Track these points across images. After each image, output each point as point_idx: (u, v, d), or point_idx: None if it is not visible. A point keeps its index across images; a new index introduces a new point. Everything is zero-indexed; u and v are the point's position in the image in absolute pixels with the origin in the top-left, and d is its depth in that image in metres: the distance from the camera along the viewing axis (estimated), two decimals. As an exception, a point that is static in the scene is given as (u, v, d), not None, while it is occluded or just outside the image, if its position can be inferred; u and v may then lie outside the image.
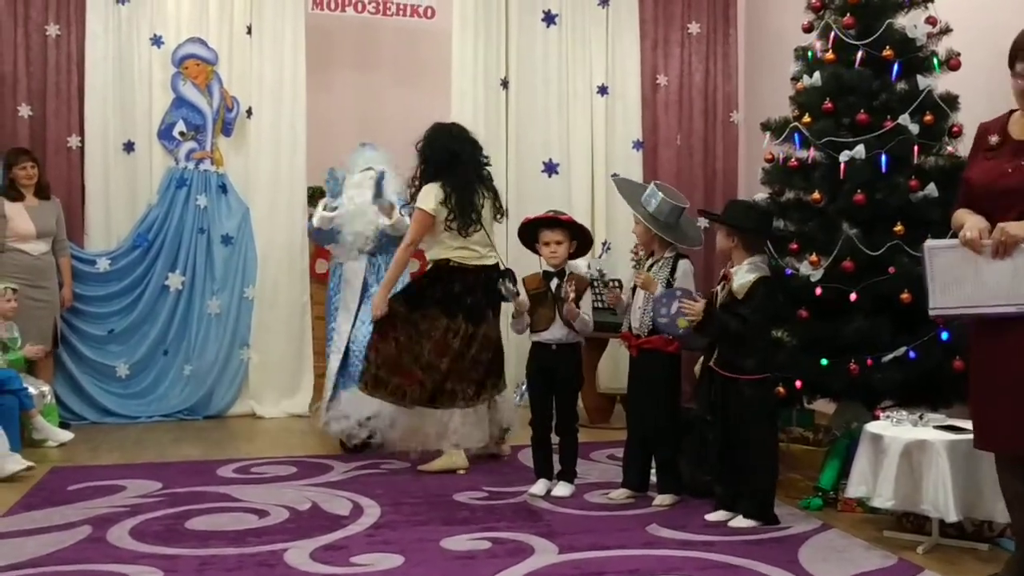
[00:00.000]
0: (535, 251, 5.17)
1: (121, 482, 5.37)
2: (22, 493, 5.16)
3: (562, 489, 5.04)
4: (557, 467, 5.16)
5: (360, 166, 6.44)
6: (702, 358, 5.44)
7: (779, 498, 4.69)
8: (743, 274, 4.53)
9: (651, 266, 4.94)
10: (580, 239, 5.13)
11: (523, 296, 5.06)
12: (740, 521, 4.50)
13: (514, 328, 5.21)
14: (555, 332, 5.02)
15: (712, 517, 4.59)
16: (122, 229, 7.42)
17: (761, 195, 5.59)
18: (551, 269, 5.07)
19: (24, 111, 7.27)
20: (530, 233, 5.16)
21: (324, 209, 6.44)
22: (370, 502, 4.94)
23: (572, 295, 4.92)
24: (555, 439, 5.17)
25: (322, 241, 6.68)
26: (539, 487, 5.04)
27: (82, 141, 7.37)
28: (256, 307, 7.58)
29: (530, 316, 5.07)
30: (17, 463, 5.48)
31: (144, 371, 7.40)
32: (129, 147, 7.44)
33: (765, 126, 5.70)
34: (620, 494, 4.98)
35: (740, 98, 8.48)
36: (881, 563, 4.02)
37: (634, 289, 4.97)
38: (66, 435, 6.41)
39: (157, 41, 7.48)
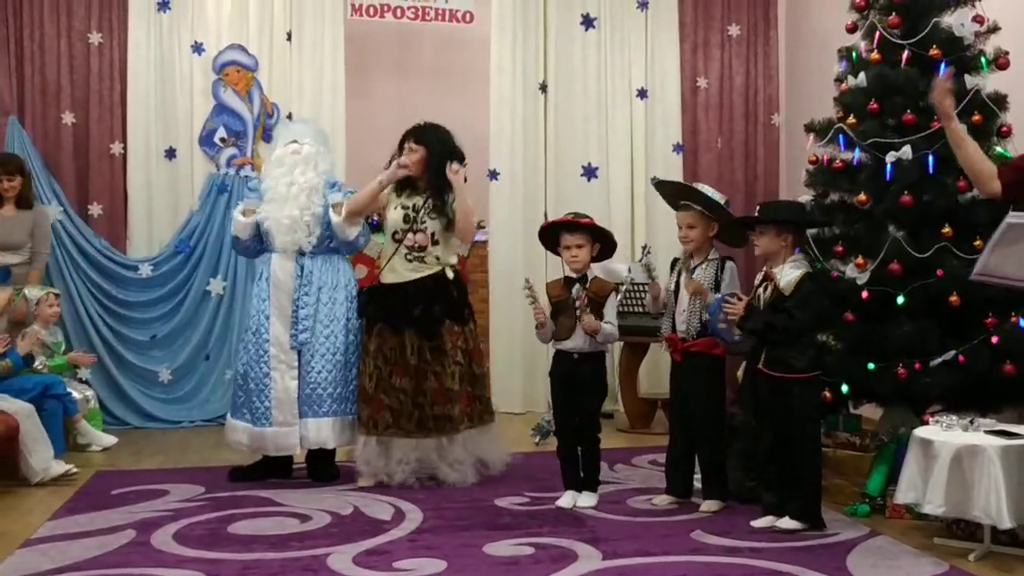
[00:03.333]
0: (557, 254, 5.05)
1: (164, 486, 5.40)
2: (67, 497, 5.19)
3: (586, 499, 4.93)
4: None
5: (284, 140, 5.62)
6: (745, 363, 5.39)
7: (826, 504, 4.62)
8: (788, 271, 4.48)
9: (695, 268, 4.85)
10: (603, 242, 4.99)
11: None
12: (787, 522, 4.44)
13: (539, 338, 5.07)
14: (577, 341, 4.88)
15: (759, 523, 4.53)
16: (164, 235, 7.47)
17: (805, 197, 5.52)
18: (573, 275, 4.95)
19: (68, 119, 7.35)
20: (551, 237, 5.06)
21: (243, 213, 5.55)
22: (411, 507, 4.92)
23: (586, 304, 4.77)
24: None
25: (248, 254, 5.82)
26: (567, 499, 4.94)
27: (124, 148, 7.44)
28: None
29: (552, 324, 4.95)
30: (60, 467, 5.51)
31: (186, 376, 7.44)
32: (171, 154, 7.49)
33: (809, 127, 5.63)
34: (664, 500, 4.93)
35: (781, 100, 8.41)
36: (932, 570, 3.95)
37: (676, 291, 4.88)
38: (110, 439, 6.46)
39: (198, 48, 7.54)
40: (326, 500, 5.08)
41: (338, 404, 5.41)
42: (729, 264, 4.83)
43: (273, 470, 5.53)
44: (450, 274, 5.40)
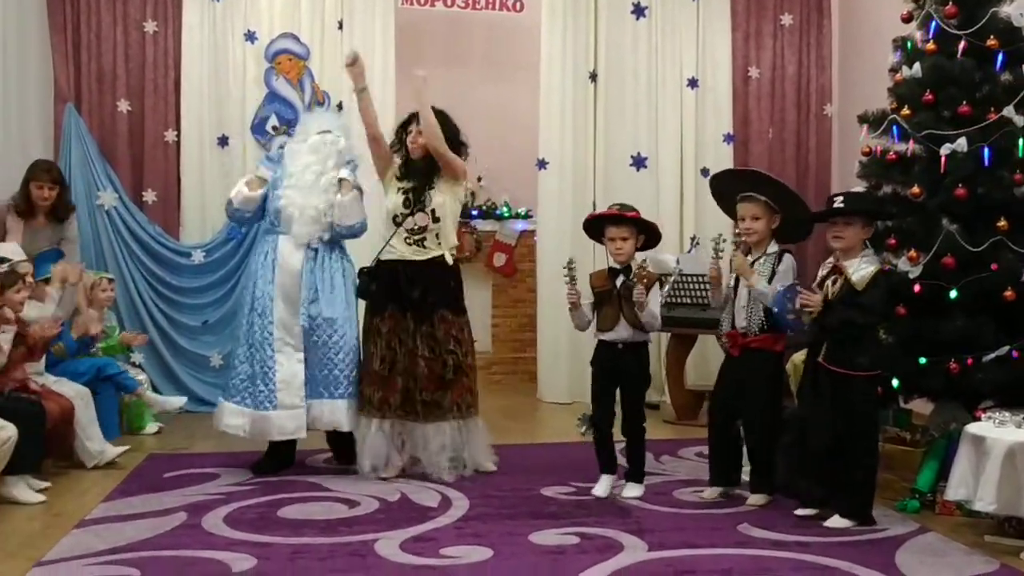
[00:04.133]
0: (603, 244, 5.05)
1: (215, 470, 5.48)
2: (120, 479, 5.29)
3: (632, 490, 4.93)
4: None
5: (315, 129, 5.57)
6: (797, 355, 5.36)
7: (875, 499, 4.57)
8: (862, 266, 4.42)
9: (753, 263, 4.76)
10: (647, 233, 4.95)
11: None
12: (837, 520, 4.41)
13: (574, 323, 5.06)
14: (620, 332, 4.87)
15: (802, 512, 4.51)
16: (216, 222, 7.55)
17: (858, 189, 5.46)
18: (616, 266, 4.93)
19: (123, 106, 7.46)
20: (596, 228, 5.05)
21: (247, 186, 5.49)
22: (458, 495, 4.95)
23: (645, 280, 4.75)
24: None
25: (242, 222, 5.80)
26: (603, 485, 4.94)
27: (178, 135, 7.53)
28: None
29: (595, 314, 4.95)
30: (115, 450, 5.62)
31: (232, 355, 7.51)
32: (223, 141, 7.57)
33: (862, 119, 5.58)
34: (712, 493, 4.90)
35: (834, 90, 8.32)
36: (983, 568, 3.90)
37: (735, 285, 4.82)
38: (179, 400, 6.54)
39: (251, 37, 7.60)
40: (374, 486, 5.12)
41: (354, 387, 5.39)
42: (787, 257, 4.74)
43: (281, 458, 5.51)
44: (449, 260, 5.34)
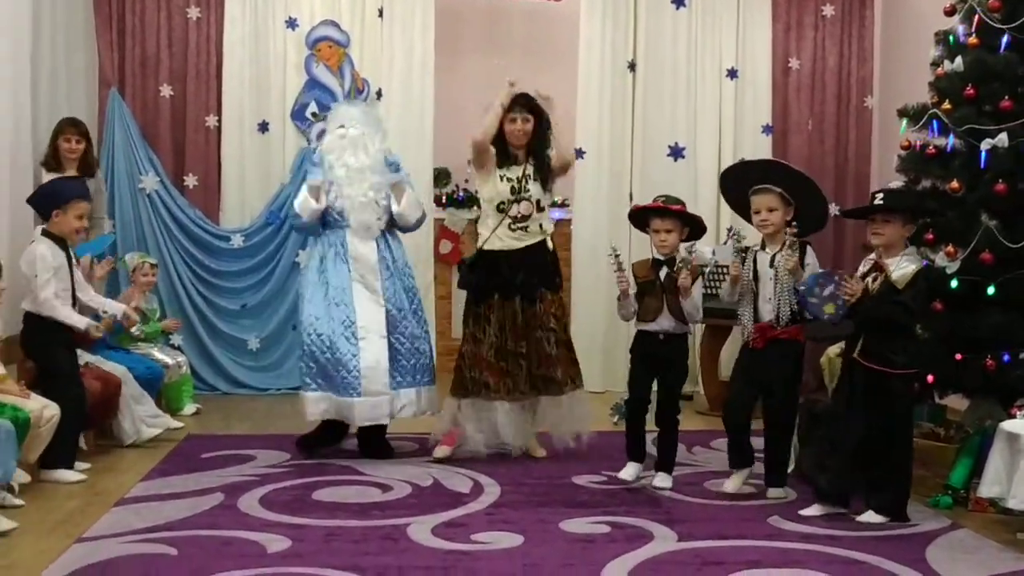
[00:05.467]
0: (647, 234, 5.05)
1: (251, 451, 5.57)
2: (159, 459, 5.39)
3: (662, 480, 4.93)
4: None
5: (334, 124, 5.72)
6: (831, 348, 5.34)
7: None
8: (904, 264, 4.39)
9: (773, 256, 4.73)
10: (692, 226, 4.97)
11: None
12: (871, 516, 4.40)
13: (619, 311, 5.08)
14: (662, 323, 4.89)
15: (808, 512, 4.49)
16: (255, 207, 7.64)
17: (896, 183, 5.43)
18: (660, 257, 4.95)
19: (166, 91, 7.55)
20: (640, 218, 5.08)
21: (310, 195, 5.53)
22: (490, 481, 5.00)
23: (690, 269, 4.77)
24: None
25: (304, 231, 5.91)
26: (629, 471, 4.94)
27: (219, 121, 7.62)
28: (383, 287, 7.70)
29: (638, 304, 4.96)
30: (151, 431, 5.74)
31: (274, 345, 7.61)
32: (264, 127, 7.64)
33: (902, 112, 5.54)
34: (738, 479, 4.86)
35: (875, 83, 8.24)
36: (1015, 566, 3.89)
37: (756, 279, 4.79)
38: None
39: (292, 23, 7.66)
40: (407, 471, 5.18)
41: (423, 375, 5.55)
42: (810, 249, 4.73)
43: (332, 437, 5.64)
44: (550, 245, 5.54)
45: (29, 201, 5.21)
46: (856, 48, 8.23)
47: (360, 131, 5.58)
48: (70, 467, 4.98)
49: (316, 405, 5.42)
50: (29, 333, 5.12)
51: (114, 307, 5.53)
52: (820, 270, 4.70)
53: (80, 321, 5.11)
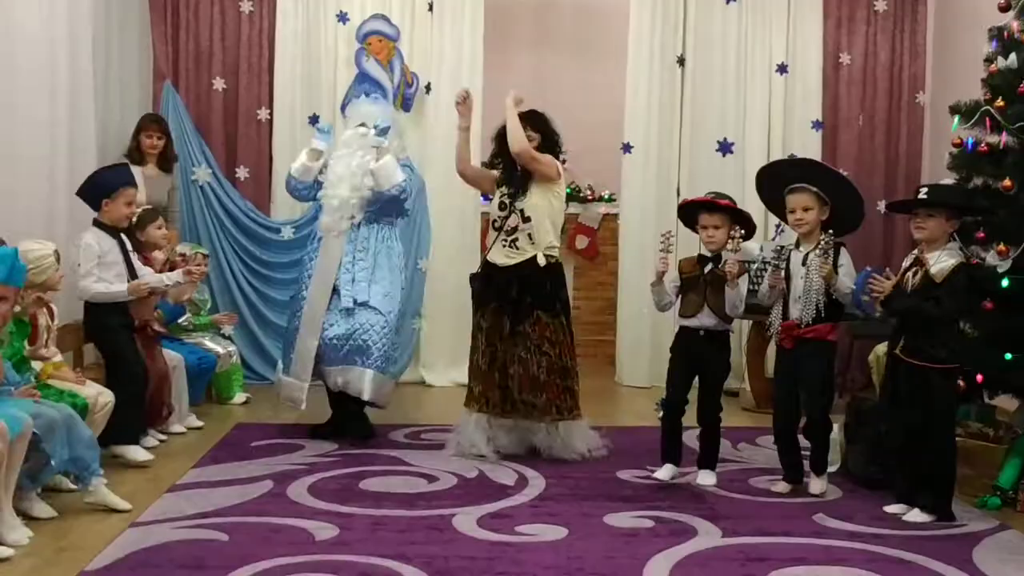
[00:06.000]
0: (696, 231, 5.06)
1: (299, 441, 5.65)
2: (209, 446, 5.49)
3: (706, 478, 4.89)
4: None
5: (354, 121, 5.97)
6: (879, 347, 5.31)
7: (955, 494, 4.54)
8: (943, 259, 4.37)
9: (806, 255, 4.70)
10: (741, 223, 4.92)
11: None
12: (917, 515, 4.39)
13: (654, 299, 5.05)
14: (703, 319, 4.87)
15: (891, 509, 4.49)
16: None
17: (948, 180, 5.38)
18: (707, 253, 4.94)
19: (219, 84, 7.65)
20: (689, 214, 5.07)
21: (307, 157, 5.91)
22: (535, 474, 5.03)
23: (736, 266, 4.73)
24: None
25: (298, 196, 6.17)
26: (665, 471, 4.90)
27: (271, 114, 7.71)
28: (429, 279, 7.77)
29: (680, 299, 4.96)
30: (195, 420, 5.94)
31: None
32: (314, 120, 7.70)
33: (954, 109, 5.48)
34: (785, 487, 4.85)
35: (927, 79, 8.15)
36: (1063, 568, 3.86)
37: (788, 278, 4.77)
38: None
39: (343, 18, 7.73)
40: (453, 462, 5.23)
41: (383, 362, 5.66)
42: (844, 250, 4.69)
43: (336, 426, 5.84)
44: (541, 261, 5.35)
45: (78, 193, 5.33)
46: (908, 43, 8.14)
47: (378, 140, 5.80)
48: (136, 443, 5.12)
49: (276, 379, 5.95)
50: (89, 319, 5.25)
51: (172, 277, 5.61)
52: (854, 271, 4.68)
53: (120, 289, 5.15)
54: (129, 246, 5.33)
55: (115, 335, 5.21)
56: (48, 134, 5.74)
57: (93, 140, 6.27)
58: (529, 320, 5.30)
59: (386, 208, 5.85)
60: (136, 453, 5.06)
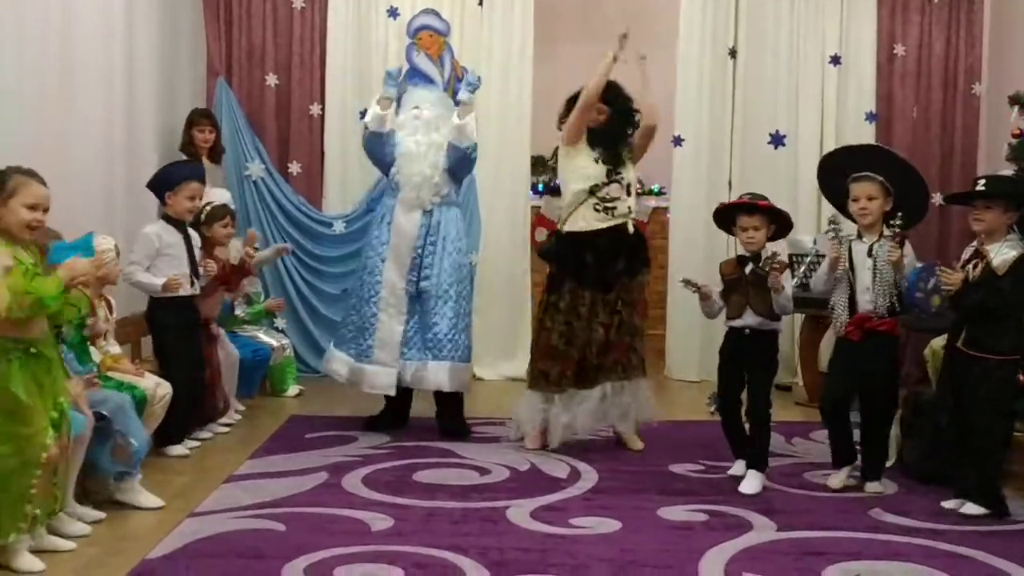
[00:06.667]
0: (732, 234, 5.04)
1: (353, 433, 5.70)
2: (264, 438, 5.55)
3: (752, 480, 4.75)
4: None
5: (408, 105, 5.96)
6: (935, 340, 5.25)
7: (1016, 491, 4.49)
8: (1005, 250, 4.31)
9: (870, 246, 4.64)
10: (779, 223, 4.88)
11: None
12: (970, 508, 4.33)
13: (703, 311, 5.06)
14: (747, 319, 4.83)
15: (949, 504, 4.44)
16: (357, 193, 7.76)
17: (1006, 172, 5.30)
18: (746, 254, 4.89)
19: (271, 80, 7.73)
20: (726, 218, 5.01)
21: (380, 106, 5.85)
22: (587, 467, 5.04)
23: (777, 266, 4.69)
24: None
25: (375, 152, 5.95)
26: (740, 467, 4.91)
27: (322, 109, 7.77)
28: (479, 273, 7.79)
29: (724, 301, 4.93)
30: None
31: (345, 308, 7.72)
32: (364, 115, 7.73)
33: (1013, 100, 5.41)
34: (840, 477, 4.80)
35: (984, 69, 8.01)
36: None
37: (852, 269, 4.70)
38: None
39: (393, 13, 7.77)
40: (505, 455, 5.25)
41: (456, 351, 5.64)
42: (907, 241, 4.63)
43: (393, 418, 5.81)
44: (631, 228, 5.45)
45: (148, 185, 5.42)
46: (964, 34, 8.01)
47: (435, 113, 5.81)
48: (179, 441, 5.17)
49: (335, 364, 5.75)
50: (149, 314, 5.32)
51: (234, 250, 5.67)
52: (918, 264, 4.62)
53: (157, 283, 5.14)
54: (197, 242, 5.38)
55: (168, 334, 5.22)
56: (105, 131, 5.83)
57: (152, 137, 6.37)
58: (614, 287, 5.37)
59: (457, 167, 5.86)
60: (174, 450, 5.13)
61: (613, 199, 5.41)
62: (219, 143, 7.09)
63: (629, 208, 5.46)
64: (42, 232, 3.77)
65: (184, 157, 6.55)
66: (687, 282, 4.91)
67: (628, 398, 5.43)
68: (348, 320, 5.85)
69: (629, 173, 5.48)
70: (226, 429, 5.73)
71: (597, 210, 5.41)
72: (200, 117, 6.97)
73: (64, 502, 3.85)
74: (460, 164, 5.87)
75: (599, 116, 5.46)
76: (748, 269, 4.83)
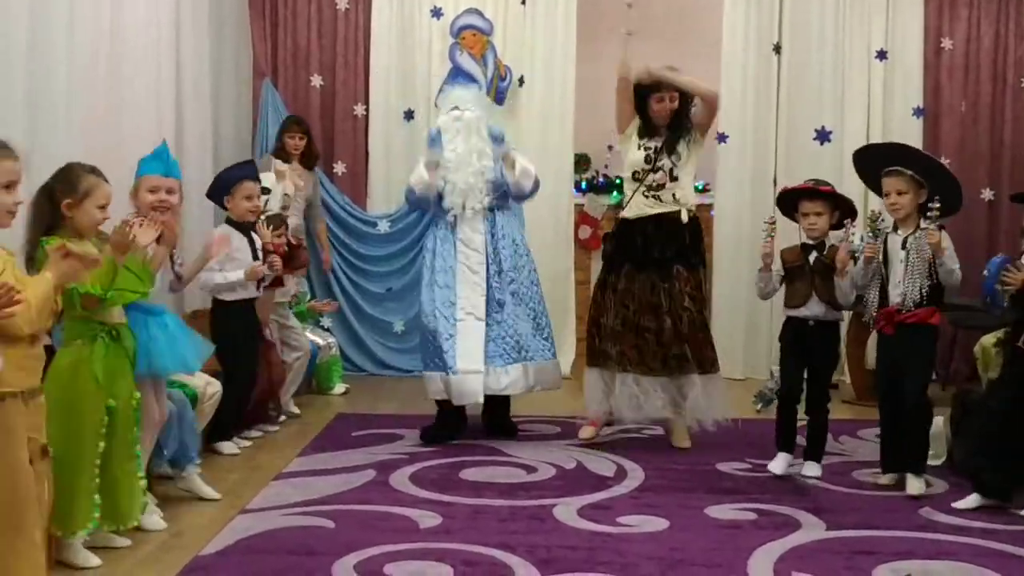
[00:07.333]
0: (795, 220, 4.99)
1: (399, 431, 5.74)
2: (312, 436, 5.61)
3: (811, 469, 4.85)
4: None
5: (447, 106, 5.90)
6: (985, 338, 5.20)
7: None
8: None
9: (906, 238, 4.59)
10: (842, 209, 4.87)
11: None
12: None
13: (758, 287, 5.01)
14: (812, 308, 4.82)
15: (963, 504, 4.37)
16: (401, 193, 7.76)
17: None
18: (810, 242, 4.87)
19: (316, 81, 7.80)
20: (789, 203, 4.99)
21: (427, 172, 5.72)
22: (633, 465, 5.03)
23: (847, 250, 4.69)
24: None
25: (419, 206, 6.07)
26: (779, 462, 4.86)
27: (367, 110, 7.83)
28: (522, 271, 7.80)
29: (786, 289, 4.90)
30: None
31: (418, 328, 7.75)
32: (409, 115, 7.81)
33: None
34: (888, 479, 4.78)
35: (1034, 63, 7.92)
36: None
37: (886, 262, 4.65)
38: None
39: (436, 13, 7.81)
40: (551, 453, 5.26)
41: (539, 352, 5.62)
42: (944, 232, 4.56)
43: (452, 426, 5.65)
44: (684, 217, 5.45)
45: (207, 195, 5.50)
46: (1013, 27, 7.89)
47: (475, 114, 5.73)
48: (228, 439, 5.24)
49: (434, 384, 5.56)
50: (213, 317, 5.37)
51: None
52: (998, 256, 4.56)
53: (237, 276, 5.20)
54: (259, 244, 5.43)
55: (231, 339, 5.19)
56: (156, 132, 5.89)
57: (199, 141, 6.45)
58: (671, 276, 5.37)
59: (516, 199, 5.87)
60: (225, 448, 5.19)
61: (659, 186, 5.43)
62: (312, 148, 7.19)
63: (675, 196, 5.45)
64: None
65: (280, 160, 6.92)
66: (771, 222, 4.87)
67: (697, 392, 5.39)
68: (428, 339, 5.64)
69: (678, 159, 5.46)
70: (275, 428, 5.79)
71: (645, 196, 5.47)
72: (292, 124, 7.12)
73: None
74: (519, 199, 5.88)
75: (672, 104, 5.50)
76: (812, 257, 4.81)
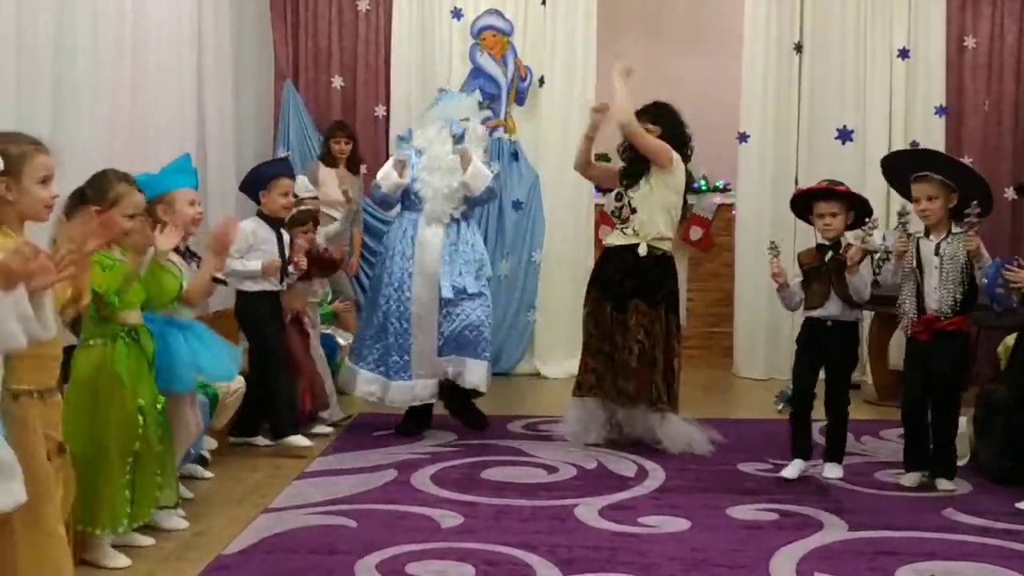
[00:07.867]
0: (809, 222, 4.98)
1: (419, 432, 5.73)
2: (333, 437, 5.64)
3: (833, 471, 4.81)
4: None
5: (436, 119, 5.84)
6: (1009, 337, 5.17)
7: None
8: None
9: (938, 244, 4.57)
10: (857, 210, 4.83)
11: None
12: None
13: (783, 303, 5.01)
14: (830, 308, 4.78)
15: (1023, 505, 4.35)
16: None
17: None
18: (825, 243, 4.84)
19: (337, 82, 7.83)
20: (803, 204, 4.95)
21: (395, 169, 5.70)
22: (654, 466, 5.03)
23: (859, 252, 4.67)
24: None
25: (385, 204, 6.01)
26: (793, 468, 4.80)
27: (387, 111, 7.85)
28: (543, 271, 7.82)
29: (804, 291, 4.88)
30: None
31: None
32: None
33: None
34: (913, 479, 4.74)
35: (1058, 61, 7.86)
36: None
37: (920, 268, 4.62)
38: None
39: (457, 14, 7.82)
40: (571, 453, 5.26)
41: (475, 348, 5.62)
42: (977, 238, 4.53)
43: (419, 420, 5.77)
44: (642, 251, 5.35)
45: (241, 188, 5.57)
46: (1038, 25, 7.85)
47: (482, 132, 5.91)
48: (295, 432, 5.28)
49: (366, 385, 5.67)
50: (240, 306, 5.39)
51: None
52: (992, 259, 4.54)
53: (255, 266, 5.22)
54: (287, 240, 5.45)
55: (262, 324, 5.26)
56: (177, 142, 5.92)
57: (221, 143, 6.49)
58: (628, 308, 5.34)
59: (477, 203, 5.89)
60: (298, 441, 5.23)
61: (625, 220, 5.47)
62: (356, 153, 7.29)
63: (635, 230, 5.39)
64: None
65: (323, 162, 7.10)
66: (773, 246, 4.87)
67: (652, 427, 5.35)
68: (367, 336, 5.74)
69: (636, 191, 5.40)
70: (330, 429, 5.80)
71: (616, 227, 5.54)
72: (336, 130, 7.25)
73: (173, 496, 3.97)
74: (479, 202, 5.89)
75: (653, 133, 5.45)
76: (828, 256, 4.79)
